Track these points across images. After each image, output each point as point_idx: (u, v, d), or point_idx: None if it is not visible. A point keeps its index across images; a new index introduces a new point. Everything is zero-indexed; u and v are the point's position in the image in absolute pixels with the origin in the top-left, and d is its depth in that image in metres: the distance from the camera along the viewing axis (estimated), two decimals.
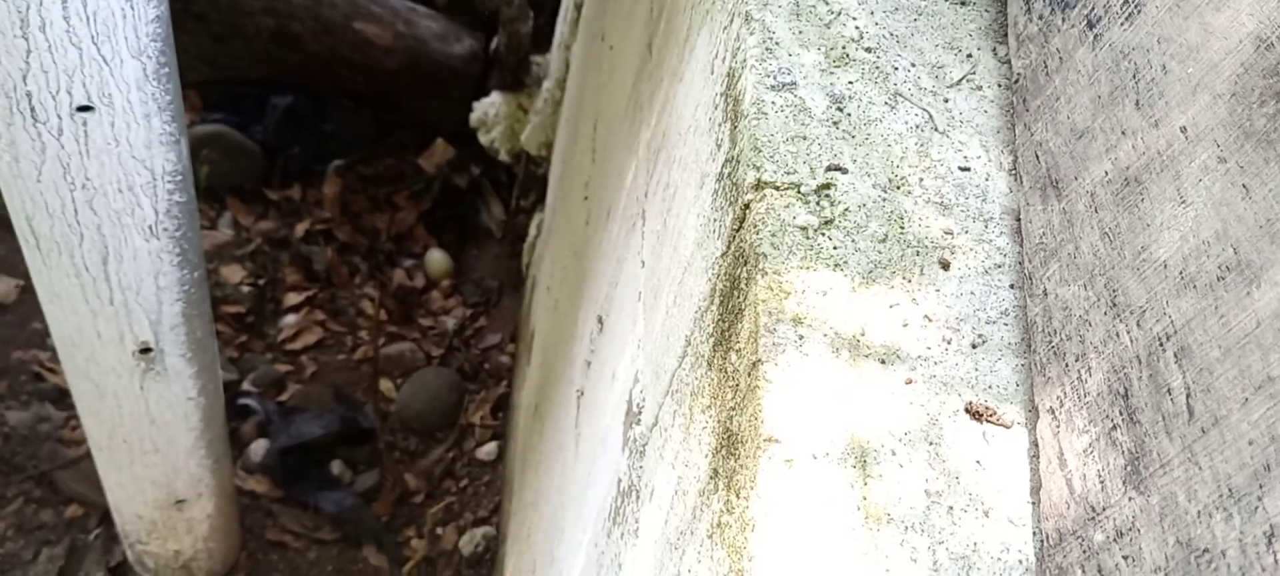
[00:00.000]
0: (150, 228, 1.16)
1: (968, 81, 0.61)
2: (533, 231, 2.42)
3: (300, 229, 2.64)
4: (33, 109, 1.00)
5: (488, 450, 2.34)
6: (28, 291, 2.43)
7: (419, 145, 2.80)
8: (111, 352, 1.32)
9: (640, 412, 0.78)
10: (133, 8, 0.95)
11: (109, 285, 1.22)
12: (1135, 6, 0.49)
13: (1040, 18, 0.57)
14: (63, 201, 1.10)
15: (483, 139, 2.52)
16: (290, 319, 2.52)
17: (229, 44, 2.62)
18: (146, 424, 1.49)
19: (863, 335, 0.51)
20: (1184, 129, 0.43)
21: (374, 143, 2.79)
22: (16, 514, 2.12)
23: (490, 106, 2.48)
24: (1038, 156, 0.54)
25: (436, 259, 2.65)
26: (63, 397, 2.26)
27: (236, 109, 2.73)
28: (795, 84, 0.59)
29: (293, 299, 2.54)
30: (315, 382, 2.43)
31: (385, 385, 2.43)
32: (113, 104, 1.02)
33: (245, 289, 2.52)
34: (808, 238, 0.54)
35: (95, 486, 1.86)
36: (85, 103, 1.00)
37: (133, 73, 1.00)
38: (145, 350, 1.33)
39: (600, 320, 1.07)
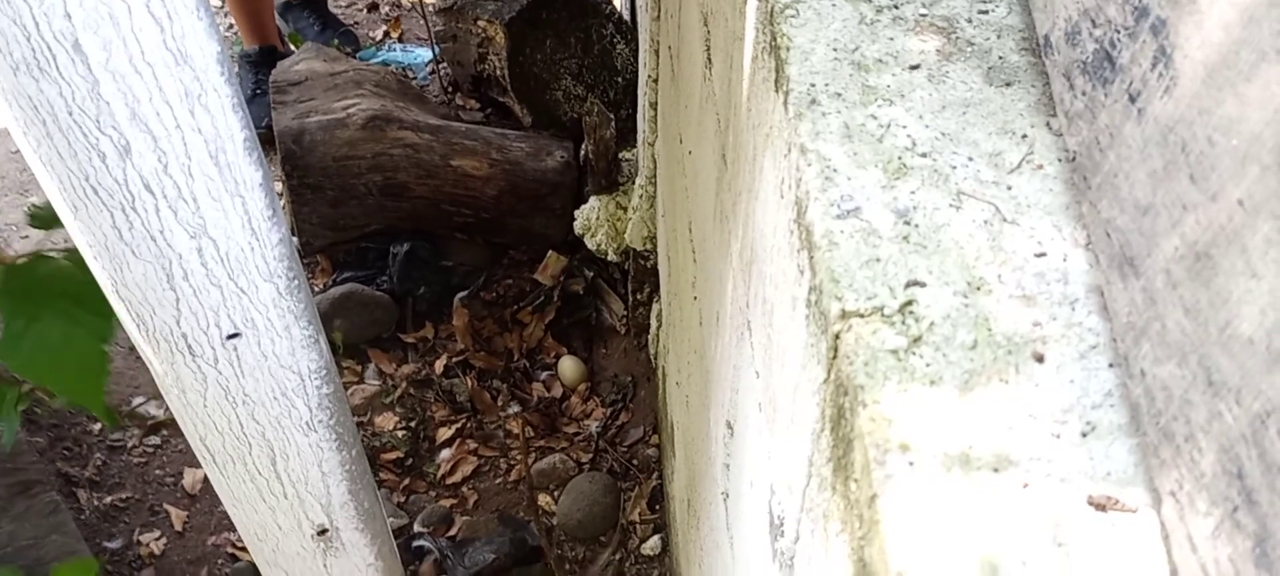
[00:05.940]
0: (307, 423, 1.26)
1: (1027, 163, 0.62)
2: (654, 323, 2.47)
3: (439, 365, 2.76)
4: (190, 347, 1.10)
5: (651, 544, 2.37)
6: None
7: (532, 261, 2.90)
8: (293, 540, 1.42)
9: (783, 525, 0.80)
10: (258, 240, 1.04)
11: (281, 482, 1.31)
12: (1171, 79, 0.50)
13: (1083, 94, 0.58)
14: (228, 419, 1.20)
15: (589, 243, 2.60)
16: (445, 453, 2.63)
17: (345, 206, 2.79)
18: None
19: (971, 447, 0.52)
20: (1241, 202, 0.44)
21: (490, 268, 2.91)
22: None
23: (590, 211, 2.56)
24: (1109, 234, 0.54)
25: (569, 366, 2.73)
26: (257, 574, 2.42)
27: (361, 264, 2.90)
28: (860, 208, 0.62)
29: (444, 433, 2.66)
30: (479, 510, 2.52)
31: (543, 499, 2.50)
32: (256, 326, 1.11)
33: (400, 433, 2.64)
34: (899, 360, 0.56)
35: None
36: (232, 331, 1.10)
37: (268, 294, 1.10)
38: (322, 531, 1.42)
39: (729, 425, 1.10)
